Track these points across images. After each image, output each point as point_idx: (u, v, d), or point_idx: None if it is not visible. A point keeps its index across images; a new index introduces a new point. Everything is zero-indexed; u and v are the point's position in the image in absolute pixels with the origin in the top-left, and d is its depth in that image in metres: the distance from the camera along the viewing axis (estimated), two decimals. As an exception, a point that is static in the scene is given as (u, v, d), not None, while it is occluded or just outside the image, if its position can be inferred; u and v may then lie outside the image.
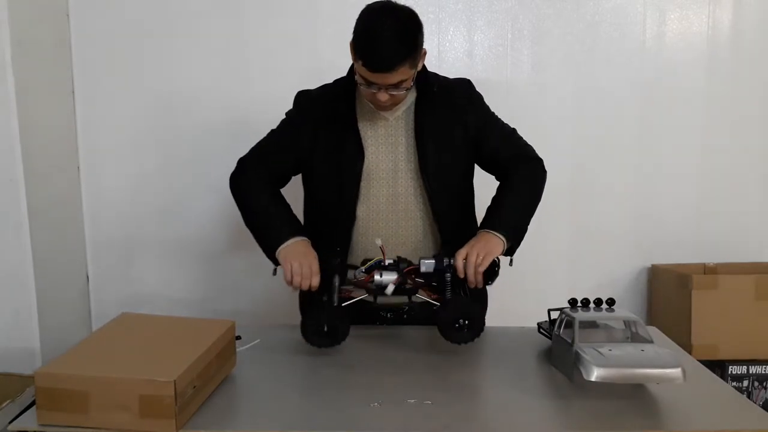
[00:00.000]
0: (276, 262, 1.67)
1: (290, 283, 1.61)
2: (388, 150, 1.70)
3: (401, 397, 1.35)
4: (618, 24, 2.60)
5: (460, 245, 1.60)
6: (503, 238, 1.62)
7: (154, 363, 1.26)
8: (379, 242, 1.59)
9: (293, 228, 1.69)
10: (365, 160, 1.68)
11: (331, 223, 1.72)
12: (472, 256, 1.56)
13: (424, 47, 1.60)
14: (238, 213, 2.68)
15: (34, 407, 1.24)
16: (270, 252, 1.67)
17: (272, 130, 1.80)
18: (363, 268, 1.58)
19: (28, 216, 2.25)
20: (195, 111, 2.58)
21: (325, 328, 1.53)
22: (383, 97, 1.58)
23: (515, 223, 1.68)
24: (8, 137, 2.19)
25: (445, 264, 1.57)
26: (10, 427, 1.25)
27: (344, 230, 1.71)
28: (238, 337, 1.57)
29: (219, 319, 1.52)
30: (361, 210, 1.71)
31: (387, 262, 1.57)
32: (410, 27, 1.54)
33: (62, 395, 1.21)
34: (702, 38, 2.61)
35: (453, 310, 1.54)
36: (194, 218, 2.64)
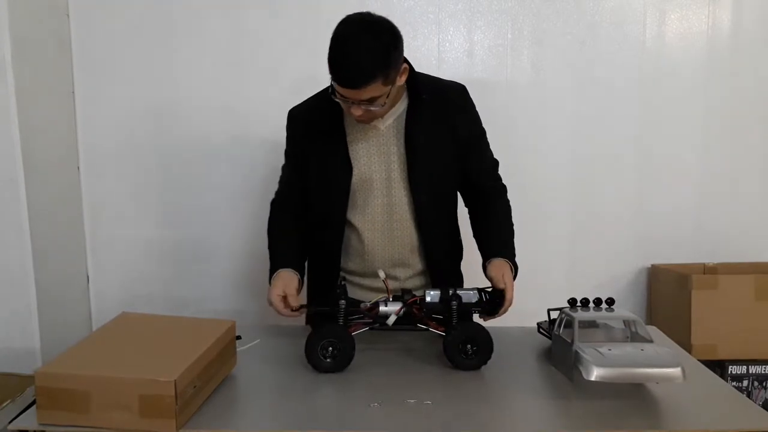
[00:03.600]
0: None
1: (278, 311, 1.61)
2: (380, 160, 1.67)
3: (401, 397, 1.35)
4: (618, 24, 2.60)
5: (443, 253, 1.71)
6: (513, 268, 1.67)
7: (154, 363, 1.27)
8: (382, 275, 1.57)
9: (283, 261, 1.69)
10: (358, 170, 1.66)
11: (326, 231, 1.73)
12: (510, 293, 1.58)
13: (404, 64, 1.55)
14: (239, 212, 2.70)
15: (35, 407, 1.25)
16: None
17: (282, 166, 1.81)
18: (369, 304, 1.58)
19: (29, 216, 2.24)
20: (195, 111, 2.58)
21: (331, 350, 1.49)
22: (357, 111, 1.53)
23: (514, 252, 1.72)
24: (8, 137, 2.19)
25: (450, 294, 1.55)
26: (10, 427, 1.25)
27: (337, 239, 1.72)
28: (238, 337, 1.57)
29: (219, 319, 1.52)
30: (358, 219, 1.70)
31: (391, 298, 1.57)
32: (384, 43, 1.47)
33: (62, 395, 1.21)
34: (702, 38, 2.61)
35: (460, 334, 1.51)
36: (194, 218, 2.64)
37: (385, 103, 1.54)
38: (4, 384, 1.97)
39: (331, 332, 1.50)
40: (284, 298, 1.61)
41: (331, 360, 1.49)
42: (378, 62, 1.46)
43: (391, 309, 1.55)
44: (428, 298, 1.56)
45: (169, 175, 2.62)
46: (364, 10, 1.55)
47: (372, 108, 1.53)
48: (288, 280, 1.64)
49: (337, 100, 1.54)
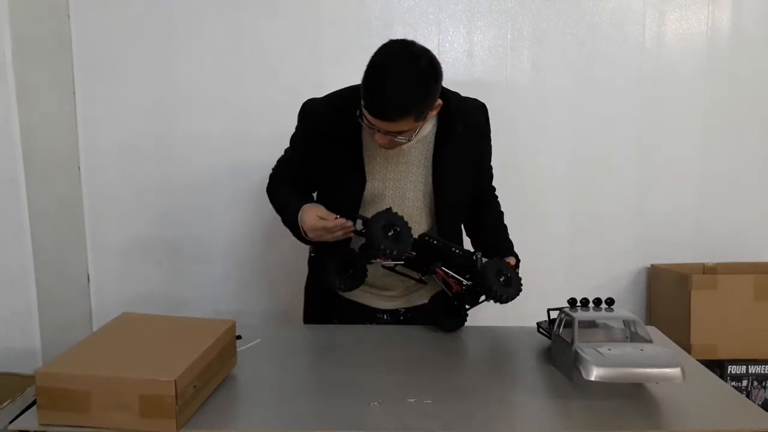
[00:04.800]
0: (308, 242, 1.66)
1: (327, 227, 1.57)
2: (397, 178, 1.65)
3: (401, 397, 1.35)
4: (618, 24, 2.60)
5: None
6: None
7: (154, 363, 1.27)
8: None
9: (302, 200, 1.65)
10: (371, 185, 1.64)
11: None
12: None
13: (438, 100, 1.52)
14: (239, 213, 2.71)
15: (35, 407, 1.25)
16: (299, 235, 1.65)
17: (286, 149, 1.78)
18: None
19: (29, 216, 2.24)
20: (195, 110, 2.59)
21: (394, 229, 1.47)
22: (382, 140, 1.51)
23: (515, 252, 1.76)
24: (8, 137, 2.19)
25: (472, 251, 1.61)
26: (10, 427, 1.25)
27: (346, 246, 1.69)
28: (239, 337, 1.57)
29: (219, 319, 1.52)
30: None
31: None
32: (424, 80, 1.44)
33: (63, 395, 1.21)
34: (702, 38, 2.61)
35: (494, 266, 1.57)
36: (194, 218, 2.64)
37: (412, 137, 1.53)
38: (4, 384, 1.97)
39: (391, 216, 1.50)
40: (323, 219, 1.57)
41: (392, 238, 1.48)
42: (415, 100, 1.43)
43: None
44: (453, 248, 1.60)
45: (169, 174, 2.62)
46: (408, 38, 1.50)
47: (398, 139, 1.50)
48: (314, 207, 1.60)
49: (363, 124, 1.51)
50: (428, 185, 1.66)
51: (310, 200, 1.70)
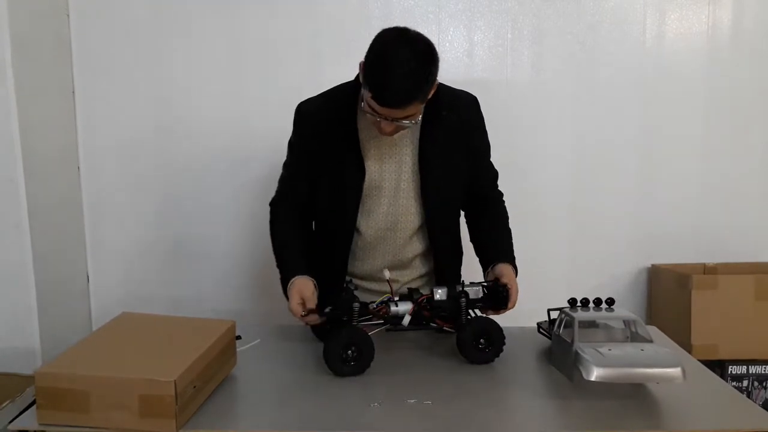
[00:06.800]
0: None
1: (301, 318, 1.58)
2: (391, 168, 1.66)
3: (401, 397, 1.35)
4: (618, 24, 2.60)
5: (447, 259, 1.73)
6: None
7: (154, 363, 1.27)
8: (387, 275, 1.56)
9: (296, 268, 1.64)
10: (369, 177, 1.65)
11: (334, 234, 1.71)
12: (515, 295, 1.59)
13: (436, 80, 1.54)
14: (239, 212, 2.70)
15: (35, 407, 1.25)
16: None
17: (284, 163, 1.77)
18: (375, 303, 1.55)
19: (28, 216, 2.24)
20: (195, 110, 2.59)
21: (351, 351, 1.47)
22: (389, 128, 1.53)
23: (515, 257, 1.74)
24: (8, 137, 2.19)
25: (458, 290, 1.56)
26: (10, 427, 1.25)
27: (346, 242, 1.70)
28: (238, 337, 1.57)
29: (219, 319, 1.52)
30: (363, 224, 1.69)
31: (396, 298, 1.55)
32: (425, 63, 1.46)
33: (62, 395, 1.21)
34: (702, 38, 2.61)
35: (473, 330, 1.54)
36: (194, 218, 2.64)
37: (417, 119, 1.54)
38: (4, 384, 1.97)
39: (351, 336, 1.48)
40: (302, 304, 1.56)
41: (353, 364, 1.48)
42: (420, 83, 1.46)
43: (403, 309, 1.54)
44: (437, 296, 1.55)
45: (169, 174, 2.62)
46: (401, 26, 1.50)
47: (403, 123, 1.52)
48: (303, 285, 1.59)
49: (369, 113, 1.52)
50: (416, 172, 1.67)
51: (305, 261, 1.67)
